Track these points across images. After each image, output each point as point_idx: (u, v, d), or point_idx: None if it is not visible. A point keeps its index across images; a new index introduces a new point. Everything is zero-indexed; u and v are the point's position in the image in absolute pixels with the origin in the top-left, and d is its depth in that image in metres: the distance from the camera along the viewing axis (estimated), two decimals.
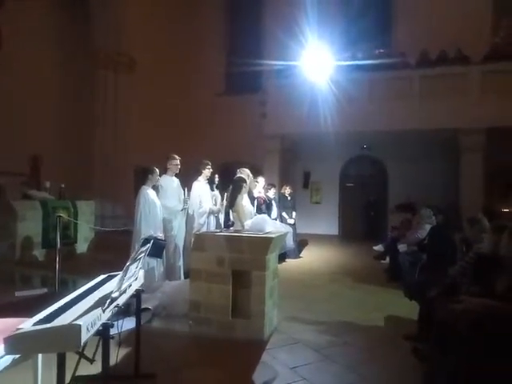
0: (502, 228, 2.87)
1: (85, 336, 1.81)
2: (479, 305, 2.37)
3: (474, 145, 8.84)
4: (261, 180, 6.94)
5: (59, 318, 1.89)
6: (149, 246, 2.67)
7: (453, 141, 9.27)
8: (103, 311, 2.07)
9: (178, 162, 5.32)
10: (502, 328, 2.19)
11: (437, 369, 2.49)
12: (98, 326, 2.00)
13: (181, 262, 5.32)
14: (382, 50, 10.58)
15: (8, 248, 5.98)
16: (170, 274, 5.15)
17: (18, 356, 2.28)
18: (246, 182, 4.48)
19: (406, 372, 3.03)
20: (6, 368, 2.22)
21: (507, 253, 2.63)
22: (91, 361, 2.36)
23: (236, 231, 4.01)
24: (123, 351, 3.18)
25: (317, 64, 9.10)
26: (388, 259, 7.34)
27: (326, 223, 12.64)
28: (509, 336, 2.15)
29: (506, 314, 2.21)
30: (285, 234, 4.37)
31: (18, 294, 4.62)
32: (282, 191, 8.96)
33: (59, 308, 2.06)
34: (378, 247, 8.83)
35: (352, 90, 9.45)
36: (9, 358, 2.18)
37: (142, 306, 3.99)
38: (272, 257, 3.88)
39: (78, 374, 2.47)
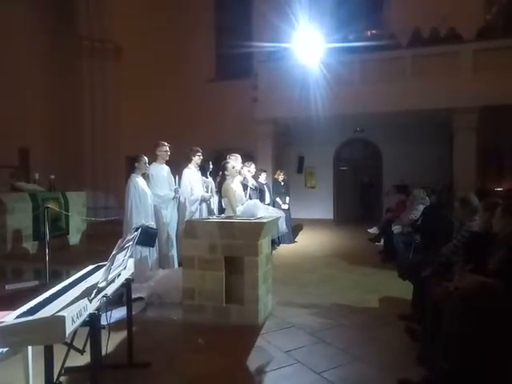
0: (494, 205, 2.85)
1: (70, 327, 1.77)
2: (471, 282, 2.36)
3: (466, 124, 8.79)
4: (252, 166, 6.86)
5: (43, 309, 1.85)
6: (136, 234, 2.61)
7: (446, 120, 9.22)
8: (90, 301, 2.03)
9: (167, 148, 5.23)
10: (494, 304, 2.18)
11: (429, 346, 2.50)
12: (84, 316, 1.96)
13: (174, 251, 5.28)
14: (373, 31, 10.42)
15: None
16: (163, 262, 5.11)
17: (6, 350, 2.24)
18: (234, 167, 4.40)
19: (400, 352, 3.04)
20: None
21: (499, 230, 2.61)
22: (81, 352, 2.34)
23: (228, 217, 3.96)
24: (117, 341, 3.16)
25: (308, 46, 8.93)
26: (382, 241, 7.37)
27: (321, 207, 12.65)
28: (500, 312, 2.14)
29: (497, 290, 2.20)
30: (277, 219, 4.34)
31: (8, 287, 4.57)
32: (276, 176, 8.90)
33: (44, 300, 2.02)
34: (373, 229, 8.84)
35: (344, 72, 9.32)
36: None
37: (136, 296, 3.98)
38: (264, 242, 3.85)
39: (69, 365, 2.45)
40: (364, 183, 12.68)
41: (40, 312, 1.81)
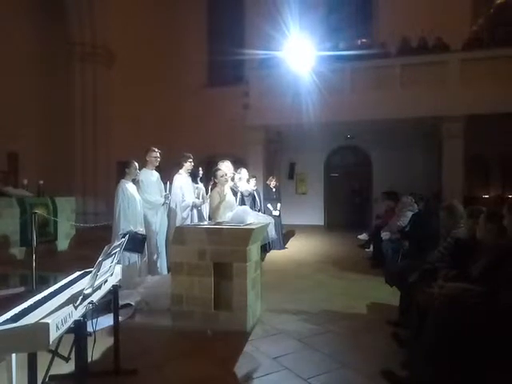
0: (478, 213, 2.91)
1: (54, 334, 1.76)
2: (455, 288, 2.40)
3: (454, 132, 8.96)
4: (243, 172, 6.89)
5: (27, 316, 1.83)
6: (124, 240, 2.61)
7: (434, 129, 9.38)
8: (75, 308, 2.02)
9: (158, 154, 5.23)
10: (476, 309, 2.22)
11: (414, 352, 2.53)
12: (69, 323, 1.95)
13: (164, 257, 5.26)
14: (363, 40, 10.59)
15: None
16: (152, 268, 5.09)
17: None
18: (223, 175, 4.42)
19: (387, 358, 3.05)
20: None
21: (482, 237, 2.66)
22: (66, 359, 2.32)
23: (217, 223, 3.97)
24: (104, 348, 3.14)
25: (299, 54, 9.04)
26: (372, 247, 7.43)
27: (312, 214, 12.72)
28: (482, 317, 2.18)
29: (479, 296, 2.24)
30: (266, 225, 4.35)
31: None
32: (268, 182, 8.94)
33: (29, 306, 2.00)
34: (363, 236, 8.90)
35: (334, 80, 9.45)
36: None
37: (124, 302, 3.96)
38: (253, 248, 3.86)
39: (54, 372, 2.42)
40: (354, 190, 12.79)
41: (24, 319, 1.79)
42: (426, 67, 9.18)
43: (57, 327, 1.78)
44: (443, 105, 8.82)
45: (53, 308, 1.94)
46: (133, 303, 4.15)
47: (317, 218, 12.76)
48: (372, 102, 9.22)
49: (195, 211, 5.55)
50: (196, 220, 5.36)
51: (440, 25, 9.42)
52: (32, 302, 2.06)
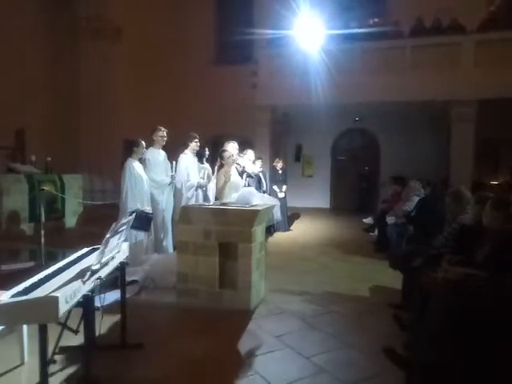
0: (485, 199, 2.88)
1: (63, 307, 1.81)
2: (459, 274, 2.41)
3: (464, 116, 8.78)
4: (249, 153, 6.86)
5: (38, 289, 1.89)
6: (131, 218, 2.64)
7: (444, 112, 9.20)
8: (83, 283, 2.06)
9: (164, 133, 5.21)
10: (480, 294, 2.23)
11: (416, 335, 2.56)
12: (78, 297, 2.00)
13: (169, 236, 5.32)
14: (375, 20, 10.30)
15: None
16: (158, 246, 5.15)
17: (1, 328, 2.29)
18: (230, 156, 4.41)
19: (389, 339, 3.09)
20: None
21: (489, 224, 2.65)
22: (75, 332, 2.39)
23: (222, 204, 3.99)
24: (111, 323, 3.22)
25: (309, 33, 8.83)
26: (377, 231, 7.44)
27: (318, 196, 12.69)
28: (485, 302, 2.20)
29: (483, 281, 2.25)
30: (271, 207, 4.36)
31: (4, 267, 4.62)
32: (274, 164, 8.91)
33: (39, 280, 2.06)
34: (368, 220, 8.90)
35: (344, 60, 9.25)
36: None
37: (130, 279, 4.04)
38: (258, 229, 3.88)
39: (63, 344, 2.50)
40: (362, 174, 12.68)
41: (34, 292, 1.85)
42: (438, 49, 8.93)
43: (66, 301, 1.84)
44: (454, 88, 8.62)
45: (62, 282, 1.99)
46: (139, 280, 4.23)
47: (322, 200, 12.74)
48: (382, 83, 9.04)
49: (200, 191, 5.57)
50: (201, 200, 5.39)
51: (457, 4, 9.11)
52: (42, 276, 2.12)
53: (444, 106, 9.03)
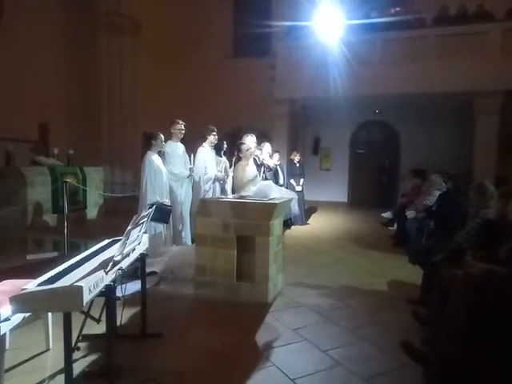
0: (509, 193, 2.80)
1: (87, 297, 1.87)
2: (481, 270, 2.36)
3: (489, 108, 8.51)
4: (266, 146, 6.84)
5: (63, 279, 1.95)
6: (151, 211, 2.69)
7: (468, 104, 8.93)
8: (106, 273, 2.12)
9: (182, 126, 5.25)
10: (502, 292, 2.18)
11: (434, 331, 2.53)
12: (100, 287, 2.05)
13: (188, 228, 5.38)
14: (397, 9, 10.03)
15: (20, 213, 6.13)
16: (177, 239, 5.23)
17: (28, 315, 2.38)
18: (248, 149, 4.41)
19: (406, 334, 3.07)
20: (19, 325, 2.34)
21: None
22: (97, 321, 2.46)
23: (240, 197, 4.00)
24: (131, 313, 3.30)
25: (328, 24, 8.68)
26: (396, 226, 7.33)
27: (336, 190, 12.58)
28: (509, 298, 2.15)
29: (506, 278, 2.20)
30: (289, 200, 4.36)
31: (29, 257, 4.78)
32: (292, 157, 8.86)
33: (63, 270, 2.12)
34: (387, 214, 8.78)
35: (364, 52, 9.07)
36: (19, 317, 2.29)
37: (150, 270, 4.11)
38: (276, 223, 3.89)
39: (86, 332, 2.58)
40: (382, 167, 12.45)
41: (59, 281, 1.91)
42: (463, 38, 8.63)
43: (89, 290, 1.89)
44: (479, 79, 8.33)
45: (85, 272, 2.05)
46: (158, 271, 4.31)
47: (340, 194, 12.62)
48: (402, 74, 8.84)
49: (217, 184, 5.60)
50: (218, 193, 5.42)
51: None
52: (66, 266, 2.18)
53: (467, 98, 8.76)
